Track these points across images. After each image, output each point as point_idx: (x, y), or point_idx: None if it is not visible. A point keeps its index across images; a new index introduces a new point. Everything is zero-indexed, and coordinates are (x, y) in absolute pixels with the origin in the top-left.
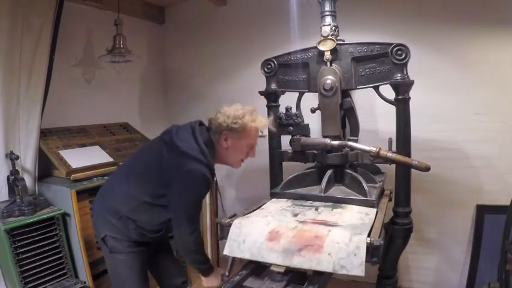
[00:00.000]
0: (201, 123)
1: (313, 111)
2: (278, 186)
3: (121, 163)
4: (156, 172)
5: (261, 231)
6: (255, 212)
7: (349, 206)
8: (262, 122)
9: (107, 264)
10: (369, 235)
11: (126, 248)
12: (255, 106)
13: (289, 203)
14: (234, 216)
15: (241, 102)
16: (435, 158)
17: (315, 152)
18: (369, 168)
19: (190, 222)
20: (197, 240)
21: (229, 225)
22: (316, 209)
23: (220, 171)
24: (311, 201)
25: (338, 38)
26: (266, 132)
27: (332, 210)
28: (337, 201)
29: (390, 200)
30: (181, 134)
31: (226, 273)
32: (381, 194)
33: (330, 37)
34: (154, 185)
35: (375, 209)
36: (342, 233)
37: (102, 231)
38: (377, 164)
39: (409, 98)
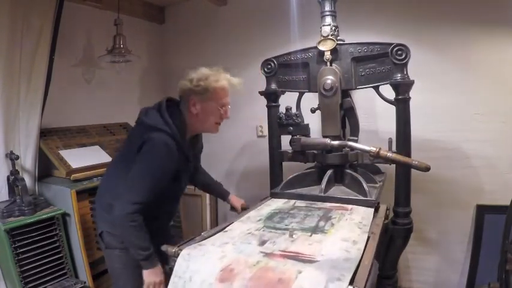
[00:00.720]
0: (170, 99)
1: (313, 111)
2: (278, 186)
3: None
4: (132, 156)
5: (212, 267)
6: (215, 236)
7: (334, 229)
8: (227, 79)
9: (105, 260)
10: (352, 281)
11: (120, 244)
12: (221, 67)
13: (260, 224)
14: (189, 241)
15: (242, 102)
16: (435, 158)
17: (315, 152)
18: (369, 168)
19: (137, 193)
20: (135, 218)
21: (177, 255)
22: (291, 235)
23: (221, 170)
24: (286, 224)
25: (338, 38)
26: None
27: (311, 236)
28: (337, 201)
29: (386, 218)
30: (149, 112)
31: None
32: (376, 210)
33: (330, 37)
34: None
35: (366, 234)
36: (315, 277)
37: (99, 228)
38: (377, 164)
39: (409, 98)
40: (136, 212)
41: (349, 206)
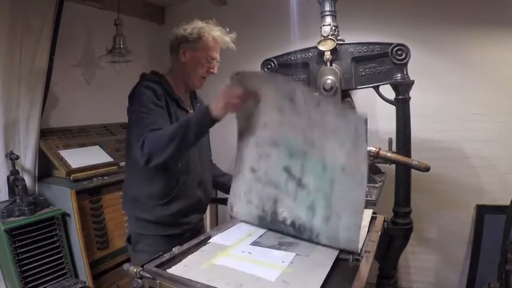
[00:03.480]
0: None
1: None
2: None
3: None
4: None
5: None
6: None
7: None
8: (220, 32)
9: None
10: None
11: (148, 247)
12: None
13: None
14: (155, 258)
15: None
16: (435, 158)
17: None
18: (369, 168)
19: (139, 134)
20: (147, 138)
21: (139, 277)
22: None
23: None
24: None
25: (338, 38)
26: None
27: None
28: None
29: (384, 231)
30: None
31: None
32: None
33: (330, 37)
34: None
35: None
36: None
37: (128, 232)
38: (377, 164)
39: (409, 98)
40: (150, 135)
41: None
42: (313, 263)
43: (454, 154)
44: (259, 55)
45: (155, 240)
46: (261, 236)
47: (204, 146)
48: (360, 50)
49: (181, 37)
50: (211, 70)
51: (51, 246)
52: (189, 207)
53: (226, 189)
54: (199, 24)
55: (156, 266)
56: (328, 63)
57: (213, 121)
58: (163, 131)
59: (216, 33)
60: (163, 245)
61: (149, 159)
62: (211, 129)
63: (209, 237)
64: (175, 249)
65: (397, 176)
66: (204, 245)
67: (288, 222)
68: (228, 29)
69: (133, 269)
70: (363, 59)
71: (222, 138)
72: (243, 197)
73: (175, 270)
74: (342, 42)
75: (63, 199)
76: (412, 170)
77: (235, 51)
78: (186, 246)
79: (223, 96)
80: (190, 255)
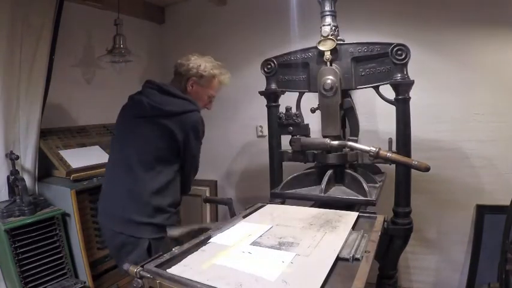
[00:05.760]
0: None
1: (313, 111)
2: (278, 186)
3: None
4: (168, 155)
5: None
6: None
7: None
8: (228, 79)
9: None
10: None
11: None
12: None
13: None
14: (155, 258)
15: (242, 102)
16: (435, 158)
17: (315, 152)
18: (369, 168)
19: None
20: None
21: (139, 277)
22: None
23: (221, 170)
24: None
25: (338, 38)
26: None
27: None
28: (338, 202)
29: (385, 231)
30: (157, 98)
31: None
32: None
33: (330, 37)
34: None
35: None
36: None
37: (144, 241)
38: (377, 164)
39: (409, 98)
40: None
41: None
42: (313, 263)
43: (454, 154)
44: (259, 55)
45: (168, 239)
46: (261, 236)
47: None
48: (360, 50)
49: (195, 72)
50: (207, 106)
51: (51, 246)
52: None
53: None
54: (213, 64)
55: (156, 266)
56: (328, 63)
57: None
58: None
59: (224, 79)
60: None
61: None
62: (212, 129)
63: (209, 237)
64: (175, 249)
65: (397, 176)
66: (204, 245)
67: None
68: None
69: (133, 269)
70: (363, 59)
71: (222, 138)
72: None
73: (175, 270)
74: (342, 42)
75: (63, 199)
76: (412, 170)
77: (235, 51)
78: (186, 246)
79: None
80: (190, 255)
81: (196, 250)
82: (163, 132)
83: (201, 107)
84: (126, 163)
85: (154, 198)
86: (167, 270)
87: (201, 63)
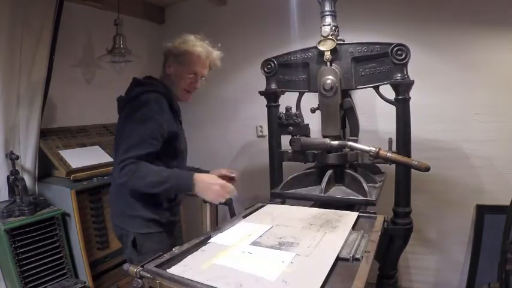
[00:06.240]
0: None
1: (313, 111)
2: (278, 186)
3: None
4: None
5: None
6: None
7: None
8: (204, 49)
9: None
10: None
11: (157, 244)
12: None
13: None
14: (154, 258)
15: (242, 102)
16: (435, 158)
17: (315, 152)
18: (369, 168)
19: (130, 146)
20: (132, 168)
21: (139, 277)
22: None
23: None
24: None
25: (338, 38)
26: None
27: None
28: (338, 202)
29: (385, 231)
30: (130, 90)
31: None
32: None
33: (330, 37)
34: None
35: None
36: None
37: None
38: (377, 164)
39: (409, 98)
40: (131, 163)
41: None
42: (313, 263)
43: (454, 154)
44: (259, 55)
45: (161, 237)
46: (261, 236)
47: (186, 150)
48: (360, 50)
49: (168, 51)
50: (193, 85)
51: (51, 246)
52: (179, 201)
53: None
54: (187, 38)
55: (156, 266)
56: (328, 63)
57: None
58: (147, 172)
59: (198, 50)
60: (166, 241)
61: (124, 182)
62: (212, 129)
63: (209, 237)
64: (176, 249)
65: (397, 176)
66: (204, 245)
67: None
68: (219, 45)
69: (133, 269)
70: (363, 59)
71: (222, 138)
72: None
73: (175, 270)
74: (342, 42)
75: (63, 199)
76: (412, 170)
77: (235, 51)
78: (186, 246)
79: (213, 195)
80: (190, 255)
81: (196, 250)
82: (122, 123)
83: (187, 88)
84: (115, 158)
85: (134, 191)
86: (167, 270)
87: (175, 41)
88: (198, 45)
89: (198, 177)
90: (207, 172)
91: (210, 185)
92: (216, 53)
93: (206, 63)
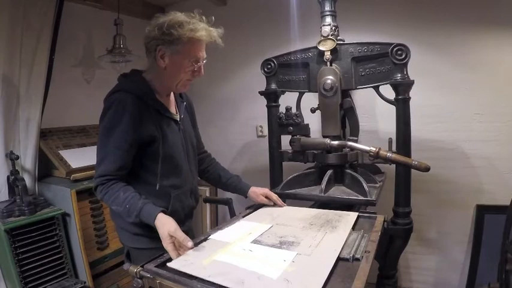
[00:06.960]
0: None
1: (313, 111)
2: (278, 186)
3: None
4: None
5: None
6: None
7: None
8: (206, 31)
9: None
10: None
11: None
12: (198, 13)
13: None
14: (154, 259)
15: (242, 102)
16: (435, 158)
17: (315, 152)
18: (369, 168)
19: (98, 165)
20: (102, 189)
21: (139, 276)
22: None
23: None
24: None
25: (338, 38)
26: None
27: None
28: (337, 202)
29: (385, 231)
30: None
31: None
32: (370, 227)
33: (330, 37)
34: None
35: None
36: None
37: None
38: (377, 164)
39: (409, 98)
40: (100, 184)
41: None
42: (315, 263)
43: (454, 154)
44: (259, 55)
45: (156, 253)
46: (261, 234)
47: (192, 151)
48: (360, 50)
49: (156, 38)
50: (197, 73)
51: (51, 246)
52: (183, 216)
53: (232, 189)
54: (179, 19)
55: (156, 266)
56: (328, 63)
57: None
58: (113, 199)
59: (200, 34)
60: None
61: (99, 199)
62: (212, 129)
63: (209, 236)
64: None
65: (397, 176)
66: (204, 241)
67: None
68: (213, 18)
69: (133, 269)
70: (363, 59)
71: (222, 138)
72: None
73: (175, 263)
74: (342, 42)
75: (63, 199)
76: (412, 170)
77: (235, 51)
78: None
79: (167, 243)
80: (190, 251)
81: (196, 246)
82: None
83: (190, 78)
84: None
85: None
86: (167, 264)
87: (163, 23)
88: (200, 28)
89: (159, 221)
90: (248, 187)
91: (163, 238)
92: (216, 32)
93: (205, 44)
